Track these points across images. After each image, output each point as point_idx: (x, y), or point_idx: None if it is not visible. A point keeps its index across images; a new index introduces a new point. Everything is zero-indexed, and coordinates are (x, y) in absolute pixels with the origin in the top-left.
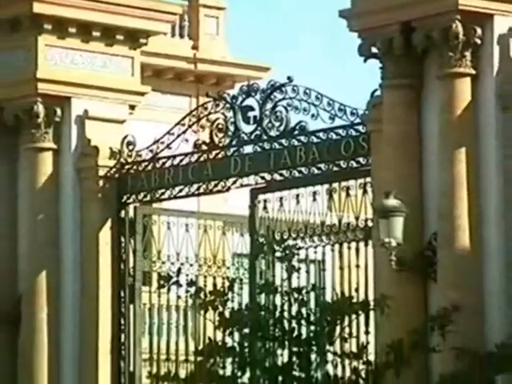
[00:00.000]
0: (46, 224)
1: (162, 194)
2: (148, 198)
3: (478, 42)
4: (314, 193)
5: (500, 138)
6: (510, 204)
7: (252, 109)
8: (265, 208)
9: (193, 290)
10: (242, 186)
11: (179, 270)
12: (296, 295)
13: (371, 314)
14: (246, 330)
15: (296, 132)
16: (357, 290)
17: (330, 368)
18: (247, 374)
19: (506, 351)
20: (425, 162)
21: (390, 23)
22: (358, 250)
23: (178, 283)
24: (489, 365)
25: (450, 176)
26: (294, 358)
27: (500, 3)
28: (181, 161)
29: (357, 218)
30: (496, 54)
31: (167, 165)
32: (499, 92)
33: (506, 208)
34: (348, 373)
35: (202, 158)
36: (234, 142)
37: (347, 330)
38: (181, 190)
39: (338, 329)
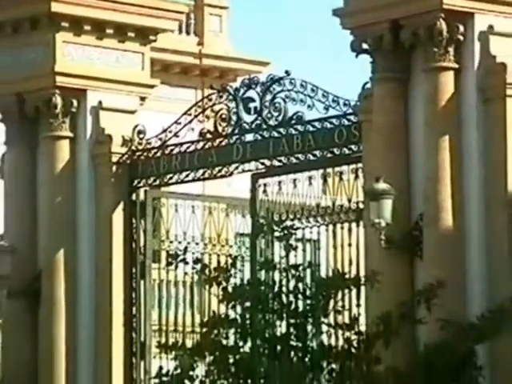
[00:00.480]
0: (64, 206)
1: (170, 178)
2: (157, 182)
3: (461, 38)
4: (310, 177)
5: (481, 127)
6: (490, 187)
7: (253, 100)
8: (264, 191)
9: (198, 266)
10: (243, 171)
11: (186, 249)
12: (293, 271)
13: (362, 288)
14: (248, 304)
15: (293, 121)
16: (349, 266)
17: (324, 338)
18: (248, 344)
19: (485, 322)
20: (412, 150)
21: (379, 21)
22: (350, 229)
23: (184, 261)
24: (470, 335)
25: (435, 162)
26: (292, 329)
27: (480, 3)
28: (187, 148)
29: (349, 201)
30: (477, 50)
31: (175, 152)
32: (480, 85)
33: (487, 191)
34: (341, 342)
35: (206, 146)
36: (236, 131)
37: (340, 303)
38: (187, 175)
39: (331, 302)
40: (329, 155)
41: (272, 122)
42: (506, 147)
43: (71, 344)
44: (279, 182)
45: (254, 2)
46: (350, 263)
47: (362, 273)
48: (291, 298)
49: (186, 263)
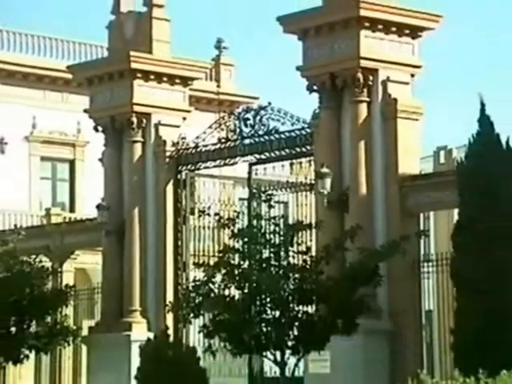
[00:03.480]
0: (138, 183)
1: (200, 165)
2: (193, 168)
3: (371, 83)
4: (283, 165)
5: (383, 136)
6: (388, 171)
7: (249, 119)
8: (256, 173)
9: (217, 217)
10: (243, 161)
11: (209, 207)
12: (273, 221)
13: (313, 230)
14: (246, 239)
15: (273, 132)
16: (305, 217)
17: (290, 259)
18: (246, 263)
19: (384, 249)
20: (342, 149)
21: (323, 73)
22: (306, 196)
23: (208, 214)
24: (376, 257)
25: (356, 157)
26: (272, 254)
27: (382, 63)
28: (210, 147)
29: (305, 178)
30: (380, 90)
31: (203, 150)
32: (382, 111)
33: (386, 173)
34: (300, 262)
35: (222, 146)
36: (239, 138)
37: (300, 239)
38: (210, 163)
39: (295, 238)
40: (294, 152)
41: (260, 132)
42: (396, 147)
43: (143, 264)
44: (265, 168)
45: (249, 61)
46: (306, 216)
47: (313, 221)
48: (271, 236)
49: (209, 215)
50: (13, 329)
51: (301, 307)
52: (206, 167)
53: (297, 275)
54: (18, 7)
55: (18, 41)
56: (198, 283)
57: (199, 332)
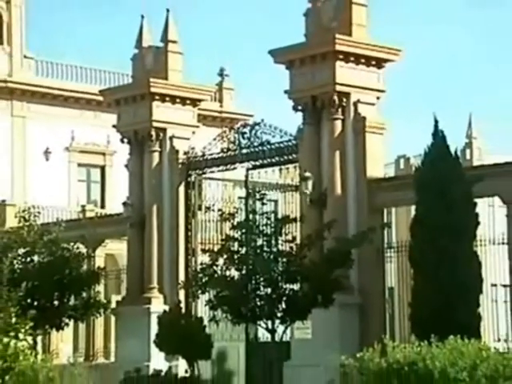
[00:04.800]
0: (156, 185)
1: (206, 170)
2: (200, 172)
3: (344, 104)
4: (273, 170)
5: (354, 146)
6: (359, 173)
7: (246, 133)
8: (252, 177)
9: (220, 213)
10: (242, 167)
11: (214, 204)
12: (265, 215)
13: (298, 223)
14: (243, 230)
15: (265, 143)
16: (291, 212)
17: (280, 246)
18: (244, 249)
19: (355, 238)
20: (322, 157)
21: (306, 96)
22: (292, 195)
23: (213, 210)
24: (348, 244)
25: (332, 164)
26: (264, 242)
27: (353, 88)
28: (215, 156)
29: (292, 181)
30: (352, 110)
31: (209, 158)
32: (353, 126)
33: (357, 176)
34: (288, 248)
35: (224, 155)
36: (237, 148)
37: (288, 230)
38: (215, 169)
39: (283, 229)
40: (282, 159)
41: (255, 144)
42: (365, 155)
43: (160, 250)
44: (259, 172)
45: (246, 85)
46: (292, 211)
47: (298, 215)
48: (264, 227)
49: (214, 211)
50: (55, 302)
51: (288, 285)
52: (211, 172)
53: (285, 259)
54: (60, 42)
55: (60, 70)
56: (204, 266)
57: (205, 305)
